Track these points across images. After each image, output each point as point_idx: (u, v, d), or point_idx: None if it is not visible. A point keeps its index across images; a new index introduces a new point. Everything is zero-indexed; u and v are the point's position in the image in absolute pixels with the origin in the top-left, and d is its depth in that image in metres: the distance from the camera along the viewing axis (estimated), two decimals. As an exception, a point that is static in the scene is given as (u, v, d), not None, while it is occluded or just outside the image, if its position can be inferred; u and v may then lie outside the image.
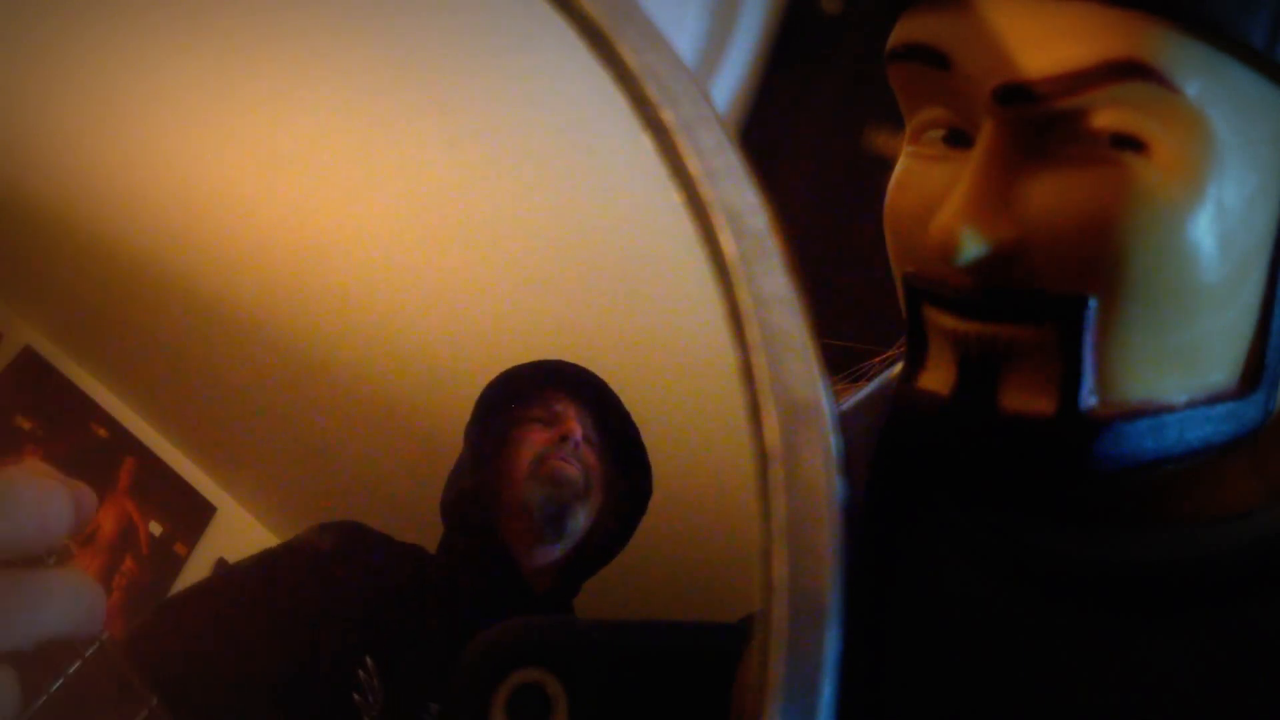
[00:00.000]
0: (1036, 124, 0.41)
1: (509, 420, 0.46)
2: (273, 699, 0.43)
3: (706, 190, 0.36)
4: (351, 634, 0.44)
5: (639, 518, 0.46)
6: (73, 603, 0.34)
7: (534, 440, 0.46)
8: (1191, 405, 0.43)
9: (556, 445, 0.46)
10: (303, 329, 0.48)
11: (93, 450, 0.46)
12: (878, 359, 0.55)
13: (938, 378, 0.45)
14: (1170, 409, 0.42)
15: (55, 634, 0.34)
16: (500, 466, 0.46)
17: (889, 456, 0.50)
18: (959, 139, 0.44)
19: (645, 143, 0.37)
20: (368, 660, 0.42)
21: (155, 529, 0.46)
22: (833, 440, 0.34)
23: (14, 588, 0.33)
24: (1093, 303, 0.41)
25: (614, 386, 0.47)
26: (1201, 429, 0.43)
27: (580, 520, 0.46)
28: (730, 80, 1.47)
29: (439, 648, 0.43)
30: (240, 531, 0.47)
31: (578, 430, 0.46)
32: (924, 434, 0.45)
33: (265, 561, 0.44)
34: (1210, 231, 0.40)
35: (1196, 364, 0.43)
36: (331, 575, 0.45)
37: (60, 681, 0.35)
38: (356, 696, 0.42)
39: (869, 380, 0.54)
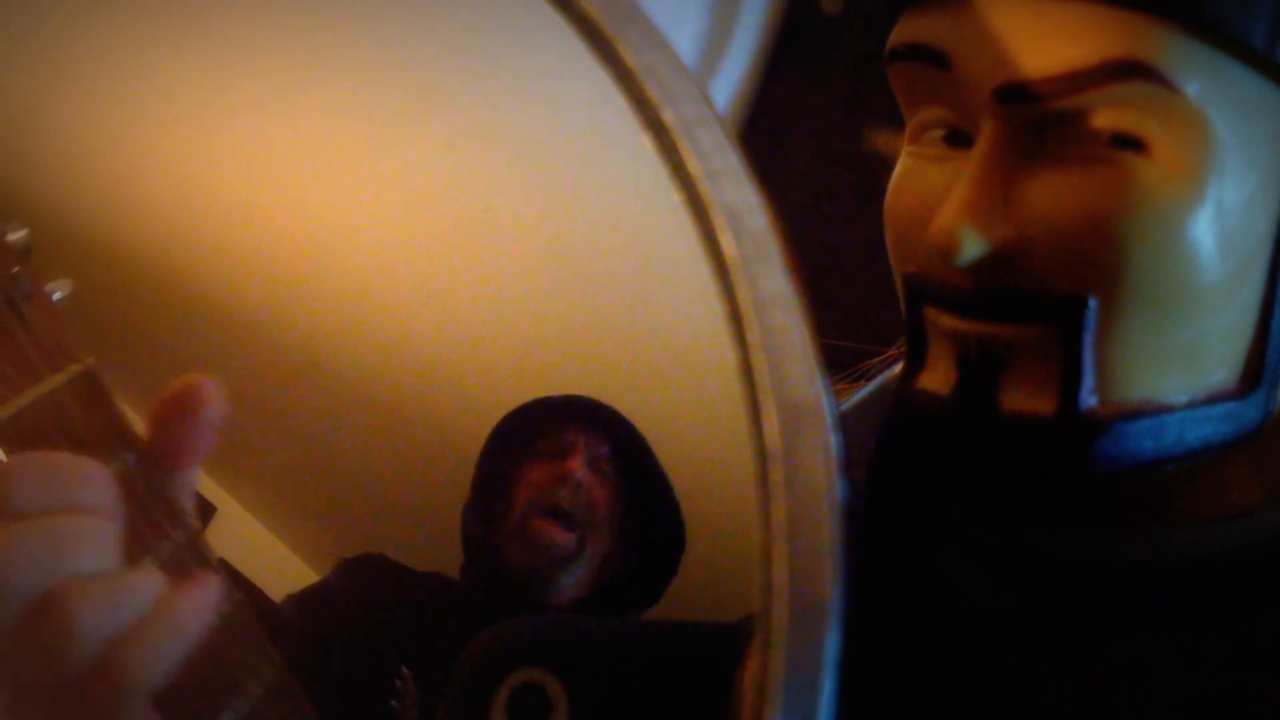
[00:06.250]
0: (1036, 124, 0.41)
1: (516, 453, 0.45)
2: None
3: (706, 190, 0.36)
4: (386, 649, 0.43)
5: (668, 559, 0.45)
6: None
7: (533, 479, 0.45)
8: (1192, 405, 0.43)
9: (553, 485, 0.45)
10: (302, 329, 0.48)
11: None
12: (878, 359, 0.55)
13: (938, 378, 0.45)
14: (1170, 409, 0.42)
15: None
16: (500, 504, 0.45)
17: (889, 457, 0.50)
18: (959, 139, 0.44)
19: (645, 143, 0.37)
20: (404, 670, 0.42)
21: (155, 529, 0.46)
22: (833, 440, 0.34)
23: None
24: (1093, 303, 0.41)
25: (614, 386, 0.47)
26: (1201, 429, 0.43)
27: (571, 579, 0.44)
28: (730, 80, 1.47)
29: None
30: (240, 531, 0.47)
31: (579, 467, 0.45)
32: (924, 434, 0.45)
33: (298, 599, 0.44)
34: (1210, 231, 0.40)
35: (1196, 364, 0.42)
36: (358, 602, 0.45)
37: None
38: (393, 703, 0.42)
39: (869, 380, 0.54)
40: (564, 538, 0.45)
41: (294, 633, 0.44)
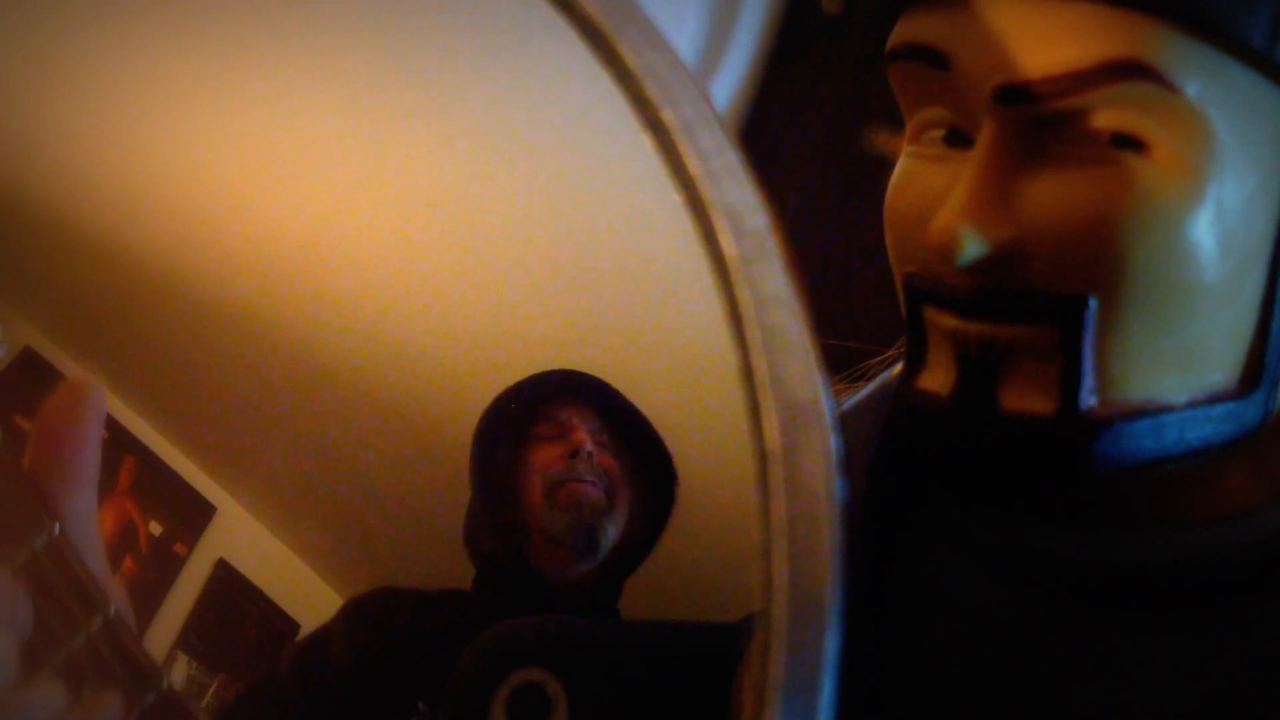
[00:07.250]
0: (1036, 124, 0.41)
1: (513, 443, 0.45)
2: None
3: (706, 190, 0.36)
4: (399, 690, 0.43)
5: (669, 510, 0.45)
6: None
7: (542, 460, 0.45)
8: (1191, 405, 0.43)
9: (568, 463, 0.45)
10: (302, 328, 0.48)
11: (93, 450, 0.46)
12: (878, 359, 0.55)
13: (938, 378, 0.45)
14: (1170, 409, 0.42)
15: None
16: (514, 495, 0.44)
17: (889, 456, 0.50)
18: (959, 139, 0.44)
19: (645, 143, 0.37)
20: (420, 706, 0.42)
21: (155, 529, 0.46)
22: (833, 440, 0.34)
23: None
24: (1093, 303, 0.41)
25: (614, 387, 0.47)
26: (1201, 429, 0.43)
27: (611, 533, 0.44)
28: (730, 80, 1.47)
29: None
30: (240, 531, 0.47)
31: (586, 439, 0.45)
32: (924, 434, 0.45)
33: (296, 649, 0.43)
34: (1210, 231, 0.40)
35: (1196, 364, 0.43)
36: (362, 645, 0.44)
37: None
38: None
39: (869, 380, 0.54)
40: (595, 493, 0.45)
41: (290, 686, 0.43)
